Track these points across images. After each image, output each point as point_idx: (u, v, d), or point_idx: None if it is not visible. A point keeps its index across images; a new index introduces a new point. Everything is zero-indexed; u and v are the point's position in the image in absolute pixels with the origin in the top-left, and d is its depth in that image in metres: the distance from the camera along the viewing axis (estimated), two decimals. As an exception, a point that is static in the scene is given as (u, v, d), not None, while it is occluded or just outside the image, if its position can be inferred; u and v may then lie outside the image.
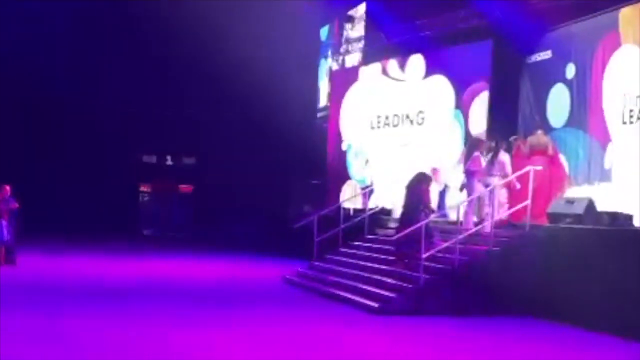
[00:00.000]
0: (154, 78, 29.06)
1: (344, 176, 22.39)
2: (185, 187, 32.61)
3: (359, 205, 20.08)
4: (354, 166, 22.08)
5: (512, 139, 15.72)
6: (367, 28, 22.63)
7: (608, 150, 15.16)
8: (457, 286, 11.32)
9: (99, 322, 10.26)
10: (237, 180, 27.69)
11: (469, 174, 13.85)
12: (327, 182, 23.02)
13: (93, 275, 16.00)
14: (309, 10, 24.49)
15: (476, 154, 13.96)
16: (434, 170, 19.28)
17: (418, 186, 12.93)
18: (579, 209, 11.33)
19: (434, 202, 18.29)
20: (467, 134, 18.43)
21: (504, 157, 13.81)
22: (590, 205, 11.48)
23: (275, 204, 23.48)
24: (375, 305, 11.36)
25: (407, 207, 12.95)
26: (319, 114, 26.20)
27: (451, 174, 18.30)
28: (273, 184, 25.10)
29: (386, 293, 11.67)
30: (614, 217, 11.07)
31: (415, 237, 11.78)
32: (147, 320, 10.56)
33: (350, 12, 23.32)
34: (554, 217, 11.66)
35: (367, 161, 21.58)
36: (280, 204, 23.29)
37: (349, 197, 19.78)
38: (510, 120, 17.89)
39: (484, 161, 13.91)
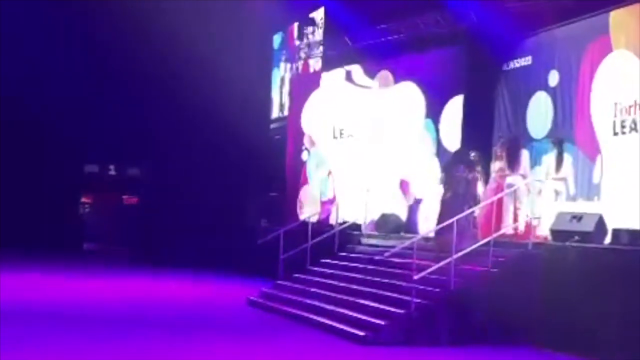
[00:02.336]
0: (96, 81, 27.33)
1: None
2: (129, 199, 30.98)
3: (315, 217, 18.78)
4: (315, 178, 20.77)
5: (472, 155, 14.63)
6: (329, 31, 21.37)
7: (597, 163, 14.21)
8: (453, 312, 10.06)
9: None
10: (186, 192, 26.11)
11: None
12: (285, 194, 21.65)
13: (26, 296, 14.17)
14: (262, 16, 23.25)
15: None
16: (403, 183, 18.21)
17: (466, 173, 11.60)
18: (589, 226, 10.19)
19: (403, 216, 17.25)
20: (440, 145, 17.29)
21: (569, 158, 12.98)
22: (601, 222, 10.35)
23: (230, 218, 21.93)
24: (362, 334, 10.00)
25: (450, 195, 11.64)
26: (272, 125, 24.98)
27: (423, 186, 17.22)
28: (227, 196, 23.54)
29: (373, 320, 10.32)
30: (635, 235, 9.92)
31: (458, 229, 10.55)
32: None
33: (312, 15, 22.04)
34: (558, 235, 10.50)
35: (329, 173, 20.29)
36: (236, 218, 21.75)
37: (315, 212, 18.29)
38: (486, 130, 16.91)
39: None
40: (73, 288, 16.14)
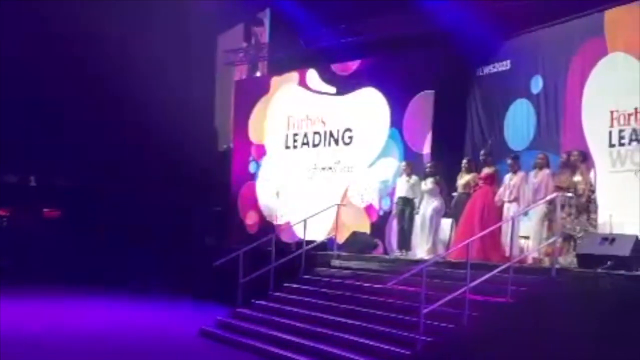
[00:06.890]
0: (17, 81, 24.96)
1: (251, 202, 19.27)
2: (51, 212, 28.57)
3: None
4: (265, 191, 18.97)
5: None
6: (280, 32, 19.67)
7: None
8: (467, 352, 8.42)
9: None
10: (116, 205, 23.96)
11: None
12: (230, 208, 19.77)
13: None
14: (205, 16, 21.44)
15: None
16: (367, 197, 16.65)
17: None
18: (623, 250, 8.74)
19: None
20: (407, 156, 15.75)
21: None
22: (637, 244, 8.91)
23: (169, 234, 19.89)
24: (360, 381, 8.29)
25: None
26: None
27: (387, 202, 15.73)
28: (164, 210, 21.48)
29: (368, 361, 8.61)
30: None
31: None
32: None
33: (260, 15, 20.34)
34: (586, 260, 9.01)
35: (280, 186, 18.52)
36: (175, 235, 19.74)
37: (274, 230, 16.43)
38: (458, 141, 15.58)
39: None
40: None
